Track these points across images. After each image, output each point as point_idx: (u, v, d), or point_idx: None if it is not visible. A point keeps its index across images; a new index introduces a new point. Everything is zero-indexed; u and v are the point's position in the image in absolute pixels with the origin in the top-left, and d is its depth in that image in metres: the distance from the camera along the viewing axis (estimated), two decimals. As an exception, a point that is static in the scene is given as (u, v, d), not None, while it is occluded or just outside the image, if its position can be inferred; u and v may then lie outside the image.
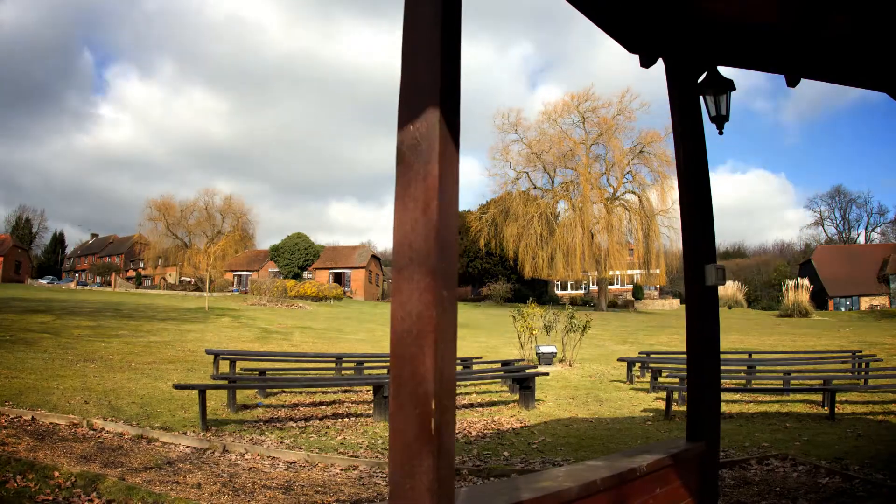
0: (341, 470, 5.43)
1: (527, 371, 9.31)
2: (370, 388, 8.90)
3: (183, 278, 58.33)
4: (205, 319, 24.81)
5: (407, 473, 1.61)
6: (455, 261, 1.68)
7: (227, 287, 54.17)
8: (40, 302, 26.56)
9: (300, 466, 5.75)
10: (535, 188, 49.25)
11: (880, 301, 50.37)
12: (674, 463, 2.83)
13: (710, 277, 3.25)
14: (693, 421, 3.27)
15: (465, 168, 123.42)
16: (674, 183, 44.84)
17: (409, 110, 1.70)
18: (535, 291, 48.04)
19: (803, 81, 4.49)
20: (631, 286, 56.20)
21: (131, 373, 11.39)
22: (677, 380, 9.50)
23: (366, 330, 23.52)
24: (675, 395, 8.66)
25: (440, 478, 1.59)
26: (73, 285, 55.41)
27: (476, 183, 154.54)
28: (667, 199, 45.03)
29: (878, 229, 69.40)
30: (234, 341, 17.85)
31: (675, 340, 23.24)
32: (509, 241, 44.97)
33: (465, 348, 18.33)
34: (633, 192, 46.87)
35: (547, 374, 10.23)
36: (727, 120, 3.57)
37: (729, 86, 3.57)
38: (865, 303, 51.10)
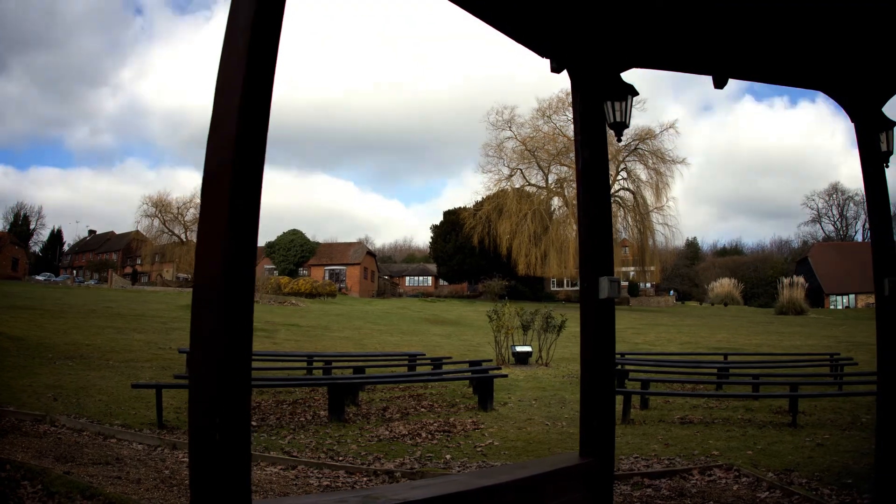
0: (280, 469, 5.48)
1: (490, 372, 9.33)
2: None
3: (179, 275, 58.46)
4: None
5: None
6: (251, 288, 1.71)
7: (224, 283, 54.19)
8: (32, 299, 26.65)
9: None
10: (528, 185, 49.18)
11: (876, 299, 50.18)
12: (553, 480, 2.82)
13: (604, 290, 3.23)
14: (584, 436, 3.23)
15: (462, 167, 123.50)
16: (669, 180, 44.74)
17: (214, 140, 1.73)
18: (531, 288, 48.03)
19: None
20: (626, 283, 56.17)
21: (106, 371, 11.48)
22: (639, 383, 9.47)
23: (353, 327, 23.57)
24: (636, 400, 8.63)
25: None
26: (69, 282, 55.60)
27: (471, 181, 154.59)
28: (662, 196, 44.98)
29: (877, 227, 69.00)
30: (218, 339, 17.86)
31: (661, 339, 23.22)
32: (503, 239, 44.85)
33: (448, 347, 18.36)
34: (628, 189, 46.74)
35: (506, 375, 10.25)
36: (626, 126, 3.58)
37: (630, 91, 3.57)
38: (862, 301, 51.02)
